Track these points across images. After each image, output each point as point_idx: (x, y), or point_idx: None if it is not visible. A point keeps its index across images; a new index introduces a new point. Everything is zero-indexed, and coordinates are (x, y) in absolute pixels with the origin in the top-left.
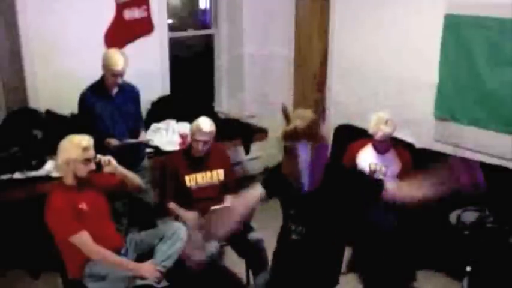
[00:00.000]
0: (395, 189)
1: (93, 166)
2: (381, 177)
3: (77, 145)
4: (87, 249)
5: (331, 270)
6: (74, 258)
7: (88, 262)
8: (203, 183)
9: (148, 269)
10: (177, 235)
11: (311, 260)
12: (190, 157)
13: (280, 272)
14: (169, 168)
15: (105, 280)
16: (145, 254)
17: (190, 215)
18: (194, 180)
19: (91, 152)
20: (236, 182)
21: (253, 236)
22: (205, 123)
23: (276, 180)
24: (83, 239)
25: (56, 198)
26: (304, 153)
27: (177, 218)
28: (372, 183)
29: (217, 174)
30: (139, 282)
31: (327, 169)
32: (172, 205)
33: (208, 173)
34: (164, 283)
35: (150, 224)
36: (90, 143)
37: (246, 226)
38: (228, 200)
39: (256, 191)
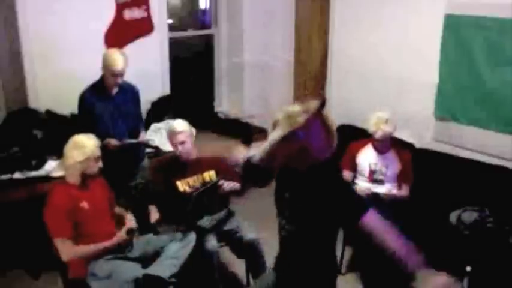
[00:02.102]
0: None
1: (101, 164)
2: (381, 177)
3: (91, 143)
4: (64, 256)
5: (323, 268)
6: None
7: (91, 261)
8: (196, 184)
9: (118, 235)
10: (188, 240)
11: (300, 256)
12: (178, 163)
13: (278, 270)
14: (157, 178)
15: (108, 279)
16: (149, 256)
17: (153, 210)
18: (186, 184)
19: (99, 150)
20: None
21: (248, 236)
22: (176, 124)
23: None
24: (63, 246)
25: (58, 196)
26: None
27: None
28: (353, 206)
29: (209, 176)
30: (145, 272)
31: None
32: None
33: (200, 176)
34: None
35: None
36: (98, 141)
37: (229, 212)
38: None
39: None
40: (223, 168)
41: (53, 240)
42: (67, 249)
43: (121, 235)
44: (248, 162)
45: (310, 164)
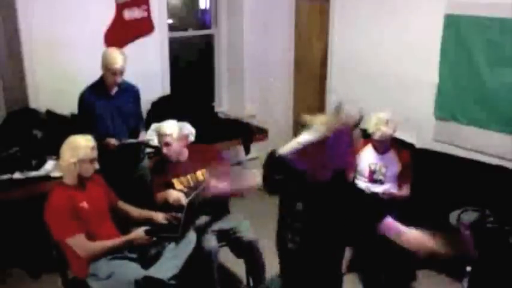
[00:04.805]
0: (401, 233)
1: (97, 166)
2: (380, 177)
3: (85, 145)
4: (83, 252)
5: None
6: (79, 256)
7: (93, 261)
8: (190, 184)
9: (136, 234)
10: (188, 240)
11: (308, 268)
12: (169, 163)
13: (286, 281)
14: (157, 176)
15: (108, 280)
16: (149, 257)
17: (174, 193)
18: (180, 183)
19: (96, 152)
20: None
21: (247, 236)
22: (165, 126)
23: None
24: (78, 242)
25: (57, 198)
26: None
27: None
28: (372, 210)
29: (202, 174)
30: (146, 274)
31: (337, 175)
32: (158, 195)
33: (193, 176)
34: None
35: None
36: (94, 142)
37: (223, 208)
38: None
39: (256, 178)
40: (215, 165)
41: (65, 242)
42: (82, 244)
43: (139, 234)
44: (275, 156)
45: (332, 174)
